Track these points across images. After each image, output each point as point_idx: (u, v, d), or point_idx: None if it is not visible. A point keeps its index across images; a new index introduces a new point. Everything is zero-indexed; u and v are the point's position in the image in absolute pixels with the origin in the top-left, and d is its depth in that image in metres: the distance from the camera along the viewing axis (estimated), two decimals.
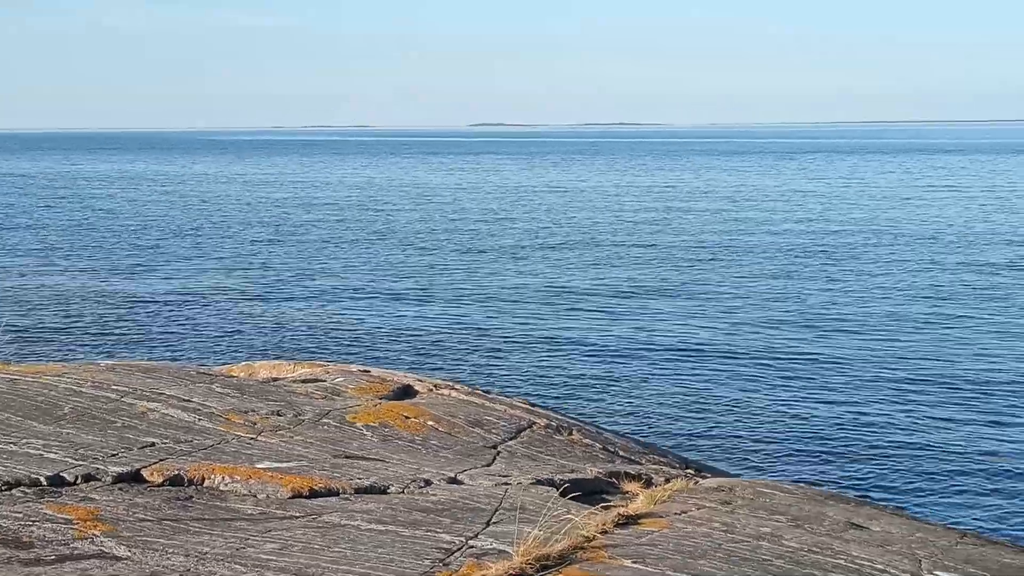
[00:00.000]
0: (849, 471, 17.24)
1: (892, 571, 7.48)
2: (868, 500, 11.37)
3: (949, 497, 16.10)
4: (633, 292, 34.93)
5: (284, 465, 9.12)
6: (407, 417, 11.13)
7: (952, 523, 12.47)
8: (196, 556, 6.93)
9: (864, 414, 20.41)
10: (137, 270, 40.67)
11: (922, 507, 15.29)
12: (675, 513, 8.51)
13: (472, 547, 7.32)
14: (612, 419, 19.57)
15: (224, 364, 15.69)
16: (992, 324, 28.94)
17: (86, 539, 7.14)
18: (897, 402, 21.24)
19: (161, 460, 9.02)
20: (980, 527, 13.98)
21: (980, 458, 17.83)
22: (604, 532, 7.74)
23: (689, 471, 11.46)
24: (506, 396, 13.49)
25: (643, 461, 11.47)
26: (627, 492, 9.54)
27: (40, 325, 29.23)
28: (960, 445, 18.51)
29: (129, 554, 6.93)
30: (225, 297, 34.24)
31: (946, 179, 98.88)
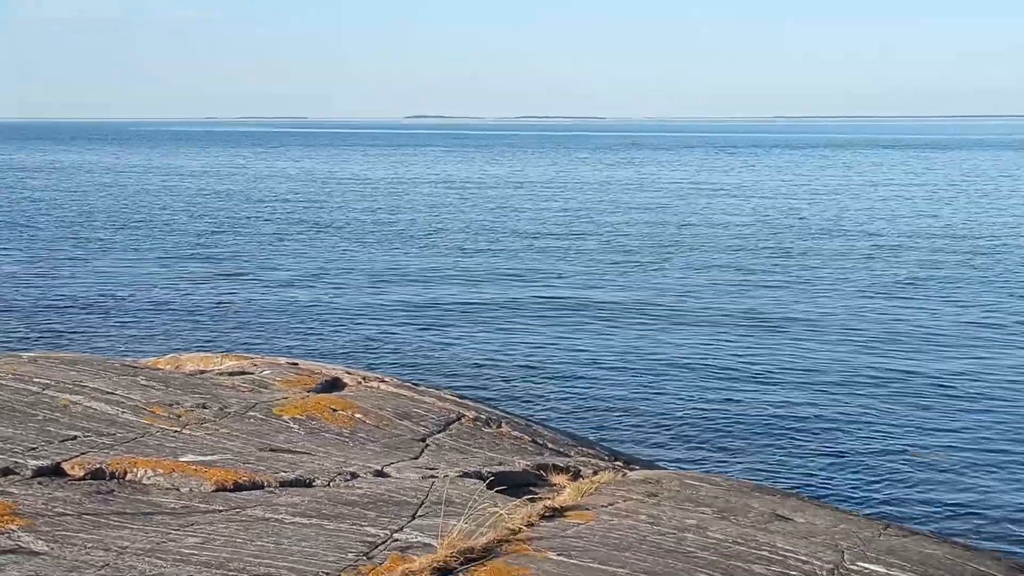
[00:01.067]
0: (776, 463, 17.39)
1: (815, 562, 7.55)
2: (793, 492, 11.46)
3: (873, 489, 16.29)
4: (564, 285, 35.00)
5: (208, 458, 9.03)
6: (335, 410, 11.06)
7: (876, 515, 12.61)
8: (116, 551, 6.84)
9: (791, 407, 20.60)
10: (63, 261, 40.09)
11: (846, 499, 15.46)
12: (602, 506, 8.53)
13: (397, 540, 7.29)
14: (542, 412, 19.60)
15: (151, 357, 15.50)
16: (920, 317, 29.34)
17: (3, 534, 7.02)
18: (824, 395, 21.46)
19: (83, 453, 8.89)
20: (903, 519, 14.16)
21: (905, 451, 18.07)
22: (530, 525, 7.74)
23: (618, 463, 11.49)
24: (436, 388, 13.45)
25: (572, 454, 11.49)
26: (555, 485, 9.54)
27: None
28: (885, 438, 18.74)
29: (47, 549, 6.82)
30: (154, 289, 33.85)
31: (850, 174, 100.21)
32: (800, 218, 57.73)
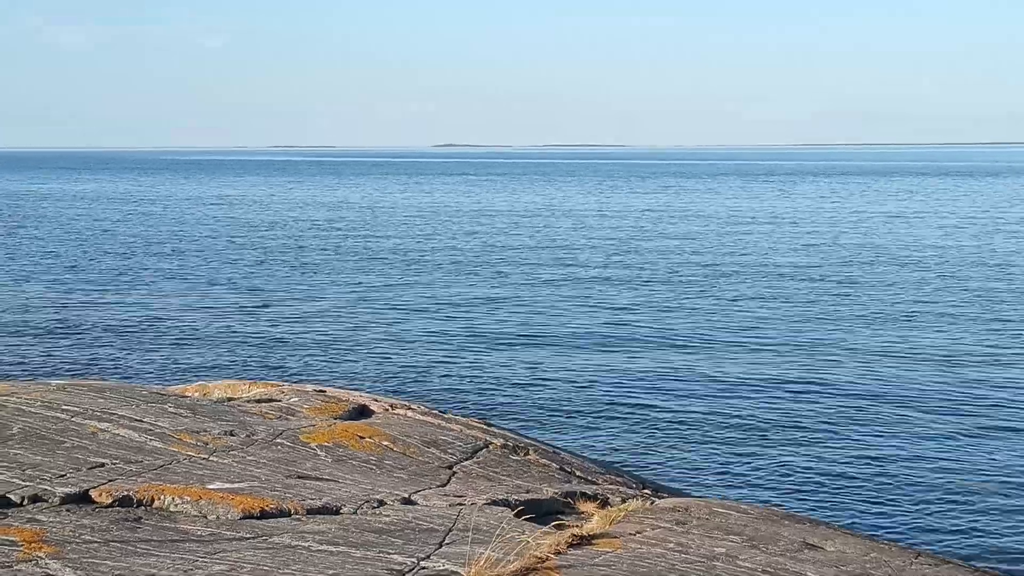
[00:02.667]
0: (805, 491, 17.26)
1: None
2: (823, 520, 11.36)
3: (904, 517, 16.14)
4: (592, 312, 34.94)
5: (235, 486, 9.02)
6: (362, 437, 11.05)
7: (907, 543, 12.48)
8: None
9: (820, 435, 20.46)
10: (92, 289, 40.32)
11: (877, 527, 15.31)
12: (630, 533, 8.48)
13: (424, 568, 7.25)
14: (569, 439, 19.53)
15: (179, 384, 15.55)
16: (953, 346, 29.13)
17: (30, 561, 7.02)
18: (853, 422, 21.30)
19: (110, 480, 8.90)
20: (934, 547, 14.02)
21: (935, 478, 17.91)
22: (557, 552, 7.70)
23: (646, 491, 11.43)
24: (463, 416, 13.42)
25: (600, 481, 11.43)
26: (583, 513, 9.50)
27: None
28: (916, 465, 18.58)
29: None
30: (183, 316, 33.99)
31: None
32: (818, 241, 57.55)
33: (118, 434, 10.36)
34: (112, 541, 7.58)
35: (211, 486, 8.94)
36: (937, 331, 31.30)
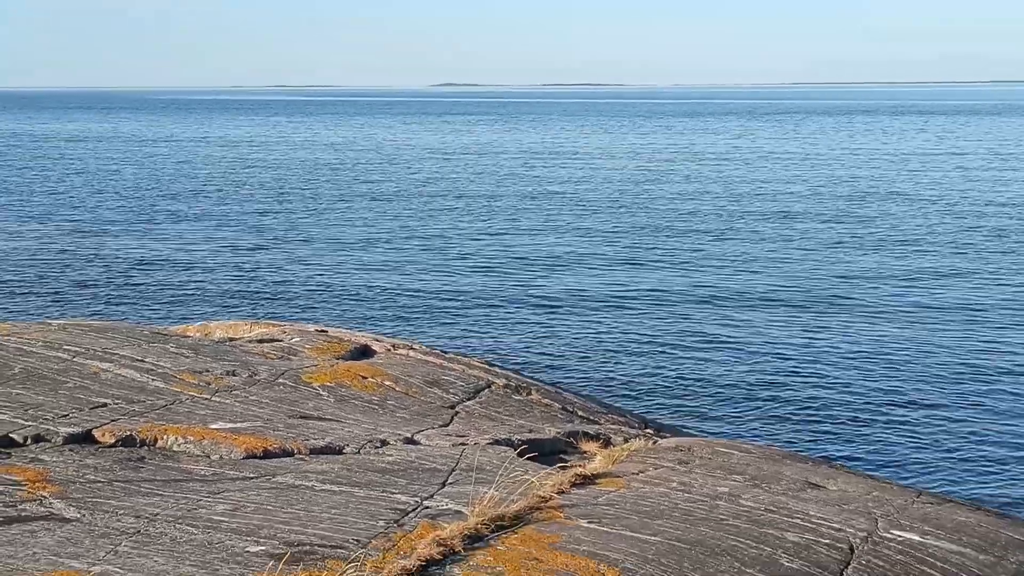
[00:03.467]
0: (807, 431, 17.31)
1: (849, 530, 7.48)
2: (825, 459, 11.38)
3: (906, 457, 16.20)
4: (595, 252, 34.90)
5: (238, 425, 9.02)
6: (364, 377, 11.04)
7: (908, 483, 12.52)
8: (147, 517, 6.84)
9: (822, 375, 20.49)
10: (92, 229, 40.26)
11: (879, 466, 15.37)
12: (633, 473, 8.48)
13: (427, 508, 7.26)
14: (572, 379, 19.55)
15: (180, 324, 15.53)
16: (957, 296, 29.11)
17: (34, 500, 7.03)
18: (855, 364, 21.33)
19: (113, 421, 8.90)
20: (936, 487, 14.07)
21: (937, 419, 17.95)
22: (561, 492, 7.70)
23: (648, 431, 11.43)
24: (465, 356, 13.41)
25: (602, 421, 11.44)
26: (585, 452, 9.50)
27: None
28: (917, 407, 18.62)
29: (78, 515, 6.83)
30: (184, 257, 33.95)
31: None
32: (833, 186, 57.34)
33: (120, 374, 10.35)
34: (115, 481, 7.59)
35: (214, 426, 8.94)
36: (943, 281, 31.26)
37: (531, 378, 13.25)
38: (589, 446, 9.66)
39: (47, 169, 68.39)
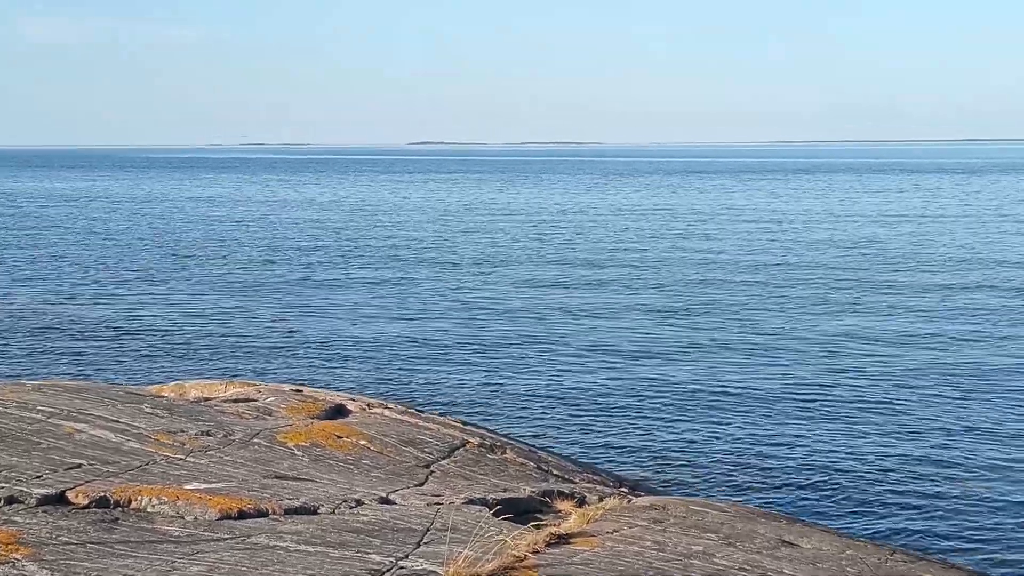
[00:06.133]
0: (781, 489, 17.33)
1: None
2: (799, 518, 11.42)
3: (879, 514, 16.23)
4: (568, 309, 34.99)
5: (212, 486, 9.01)
6: (339, 437, 11.05)
7: (882, 540, 12.56)
8: None
9: (795, 433, 20.54)
10: (65, 289, 40.13)
11: (852, 524, 15.40)
12: (607, 532, 8.51)
13: (402, 568, 7.27)
14: (546, 437, 19.55)
15: (155, 384, 15.50)
16: (925, 343, 29.30)
17: (7, 563, 7.00)
18: (828, 421, 21.40)
19: (87, 482, 8.88)
20: (910, 544, 14.10)
21: (910, 476, 18.00)
22: (535, 551, 7.72)
23: (623, 490, 11.46)
24: (440, 415, 13.43)
25: (577, 480, 11.46)
26: (560, 511, 9.52)
27: None
28: (891, 463, 18.68)
29: None
30: (158, 316, 33.86)
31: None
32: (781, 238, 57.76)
33: (95, 434, 10.33)
34: (89, 542, 7.56)
35: (188, 486, 8.93)
36: (912, 329, 31.47)
37: (506, 436, 13.27)
38: (564, 505, 9.68)
39: (18, 228, 68.20)
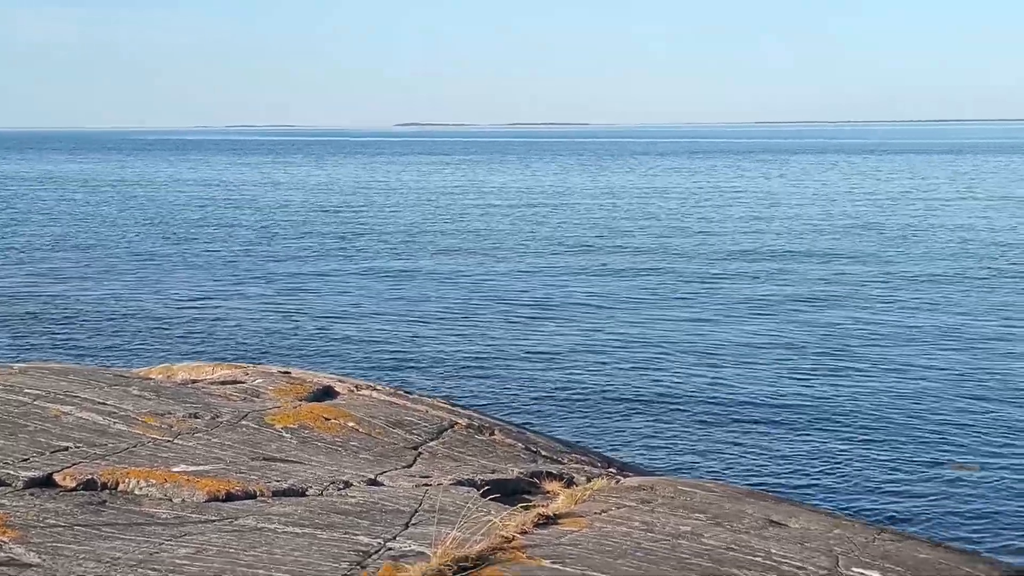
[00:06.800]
0: (769, 468, 17.38)
1: (810, 568, 7.53)
2: (787, 497, 11.45)
3: (867, 493, 16.28)
4: (555, 291, 34.98)
5: (200, 468, 9.00)
6: (327, 419, 11.03)
7: (870, 519, 12.59)
8: (108, 562, 6.81)
9: (784, 412, 20.59)
10: (52, 271, 40.01)
11: (840, 503, 15.45)
12: (595, 512, 8.51)
13: (390, 549, 7.26)
14: (535, 418, 19.57)
15: (143, 366, 15.47)
16: (920, 323, 29.37)
17: None
18: (815, 400, 21.46)
19: (74, 464, 8.86)
20: (897, 523, 14.15)
21: (898, 454, 18.07)
22: (523, 532, 7.72)
23: (611, 470, 11.46)
24: (428, 396, 13.42)
25: (565, 460, 11.46)
26: (548, 492, 9.52)
27: None
28: (879, 442, 18.74)
29: (39, 560, 6.79)
30: (146, 298, 33.78)
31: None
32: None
33: (81, 417, 10.30)
34: (77, 525, 7.55)
35: (176, 469, 8.91)
36: (910, 309, 31.54)
37: (494, 418, 13.27)
38: (552, 486, 9.68)
39: (9, 209, 68.01)
